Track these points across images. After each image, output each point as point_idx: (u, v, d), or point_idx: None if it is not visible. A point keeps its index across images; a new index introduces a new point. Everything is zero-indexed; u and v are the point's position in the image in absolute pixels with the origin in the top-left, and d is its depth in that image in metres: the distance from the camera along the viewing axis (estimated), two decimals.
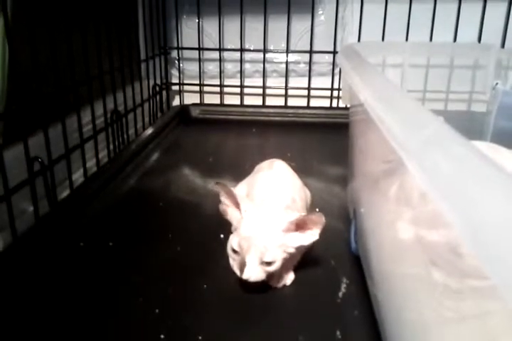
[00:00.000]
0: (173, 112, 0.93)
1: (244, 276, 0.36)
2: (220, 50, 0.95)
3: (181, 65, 0.99)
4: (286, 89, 0.97)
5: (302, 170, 0.54)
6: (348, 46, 0.51)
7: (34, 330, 0.34)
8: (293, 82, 0.97)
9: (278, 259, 0.37)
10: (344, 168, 0.55)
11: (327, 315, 0.36)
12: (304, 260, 0.41)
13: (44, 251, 0.44)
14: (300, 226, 0.37)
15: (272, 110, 0.95)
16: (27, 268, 0.41)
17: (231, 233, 0.39)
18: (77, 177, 0.59)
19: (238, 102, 0.98)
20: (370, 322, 0.34)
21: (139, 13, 0.86)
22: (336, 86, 0.94)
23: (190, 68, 0.99)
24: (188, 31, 0.97)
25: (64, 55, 0.53)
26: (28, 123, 0.47)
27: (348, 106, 0.50)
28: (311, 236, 0.37)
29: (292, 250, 0.37)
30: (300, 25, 0.94)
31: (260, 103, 0.97)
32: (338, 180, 0.60)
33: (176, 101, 1.01)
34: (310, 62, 0.94)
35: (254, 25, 0.94)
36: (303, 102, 0.96)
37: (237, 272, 0.37)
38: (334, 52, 0.92)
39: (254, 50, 0.96)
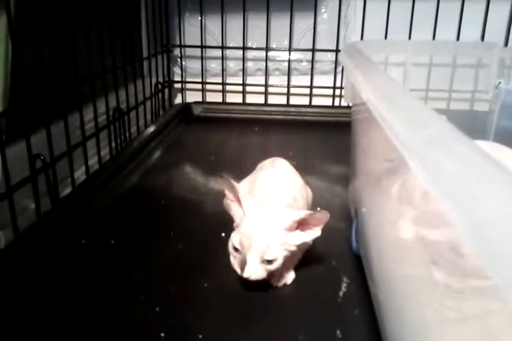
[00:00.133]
0: (175, 110, 0.93)
1: (245, 275, 0.36)
2: (223, 48, 0.95)
3: (184, 62, 0.99)
4: (288, 87, 0.97)
5: (304, 168, 0.54)
6: (351, 44, 0.51)
7: (36, 328, 0.34)
8: (295, 80, 0.97)
9: (279, 257, 0.36)
10: (346, 167, 0.55)
11: (327, 314, 0.36)
12: (304, 259, 0.41)
13: (46, 249, 0.44)
14: (302, 224, 0.37)
15: (274, 108, 0.95)
16: (29, 265, 0.41)
17: (232, 231, 0.39)
18: (79, 174, 0.59)
19: (240, 100, 0.98)
20: (371, 321, 0.34)
21: (142, 11, 0.86)
22: (338, 84, 0.94)
23: (193, 66, 0.99)
24: (190, 29, 0.97)
25: (67, 52, 0.53)
26: (30, 120, 0.47)
27: (351, 104, 0.50)
28: (313, 232, 0.37)
29: (294, 248, 0.37)
30: (302, 23, 0.94)
31: (262, 101, 0.97)
32: (340, 179, 0.60)
33: (178, 99, 1.01)
34: (312, 61, 0.94)
35: (256, 23, 0.94)
36: (305, 101, 0.96)
37: (238, 270, 0.37)
38: (337, 51, 0.92)
39: (256, 48, 0.96)
